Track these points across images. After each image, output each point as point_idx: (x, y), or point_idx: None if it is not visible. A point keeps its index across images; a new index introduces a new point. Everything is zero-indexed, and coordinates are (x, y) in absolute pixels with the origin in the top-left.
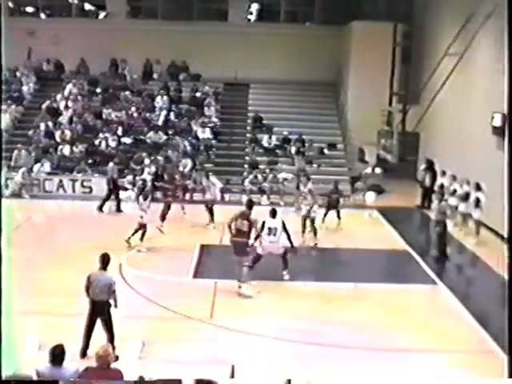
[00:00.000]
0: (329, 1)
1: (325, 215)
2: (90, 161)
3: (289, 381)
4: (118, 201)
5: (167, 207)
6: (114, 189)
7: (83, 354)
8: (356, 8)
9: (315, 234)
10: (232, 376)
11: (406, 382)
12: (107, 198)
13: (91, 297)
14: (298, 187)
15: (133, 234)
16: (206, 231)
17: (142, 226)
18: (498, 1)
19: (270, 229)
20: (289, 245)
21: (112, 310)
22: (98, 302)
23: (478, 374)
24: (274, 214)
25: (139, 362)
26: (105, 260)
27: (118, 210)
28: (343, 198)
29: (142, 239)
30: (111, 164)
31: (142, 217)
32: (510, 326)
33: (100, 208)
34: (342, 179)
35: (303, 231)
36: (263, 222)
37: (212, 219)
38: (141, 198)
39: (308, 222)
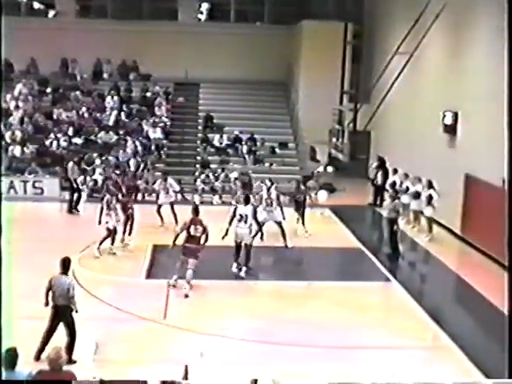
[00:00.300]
0: (279, 0)
1: (302, 217)
2: (41, 161)
3: (255, 380)
4: (71, 201)
5: (130, 220)
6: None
7: (38, 357)
8: (306, 7)
9: (284, 236)
10: (185, 376)
11: (365, 380)
12: (79, 197)
13: (53, 301)
14: (246, 187)
15: (101, 243)
16: (159, 232)
17: (109, 231)
18: (446, 0)
19: (241, 215)
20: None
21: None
22: (59, 306)
23: (435, 370)
24: (246, 201)
25: (93, 364)
26: (65, 264)
27: (70, 211)
28: (309, 196)
29: (112, 243)
30: (71, 164)
31: (107, 222)
32: (511, 326)
33: (76, 208)
34: (293, 178)
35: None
36: (235, 209)
37: (176, 221)
38: (104, 204)
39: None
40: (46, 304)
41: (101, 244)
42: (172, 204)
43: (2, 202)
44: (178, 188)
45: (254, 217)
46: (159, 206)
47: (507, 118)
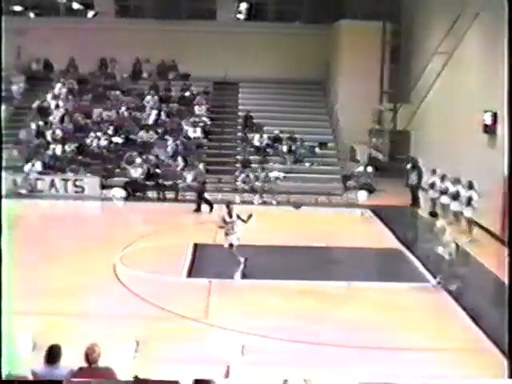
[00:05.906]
0: (317, 0)
1: None
2: (81, 160)
3: (285, 381)
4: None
5: None
6: None
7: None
8: (344, 7)
9: None
10: (227, 376)
11: (402, 381)
12: None
13: None
14: None
15: None
16: (200, 230)
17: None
18: (485, 0)
19: None
20: None
21: (105, 310)
22: None
23: (474, 373)
24: None
25: (133, 362)
26: None
27: None
28: None
29: None
30: None
31: None
32: (510, 325)
33: None
34: (333, 178)
35: None
36: None
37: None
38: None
39: None
40: None
41: None
42: None
43: (1, 203)
44: None
45: None
46: None
47: (507, 118)
